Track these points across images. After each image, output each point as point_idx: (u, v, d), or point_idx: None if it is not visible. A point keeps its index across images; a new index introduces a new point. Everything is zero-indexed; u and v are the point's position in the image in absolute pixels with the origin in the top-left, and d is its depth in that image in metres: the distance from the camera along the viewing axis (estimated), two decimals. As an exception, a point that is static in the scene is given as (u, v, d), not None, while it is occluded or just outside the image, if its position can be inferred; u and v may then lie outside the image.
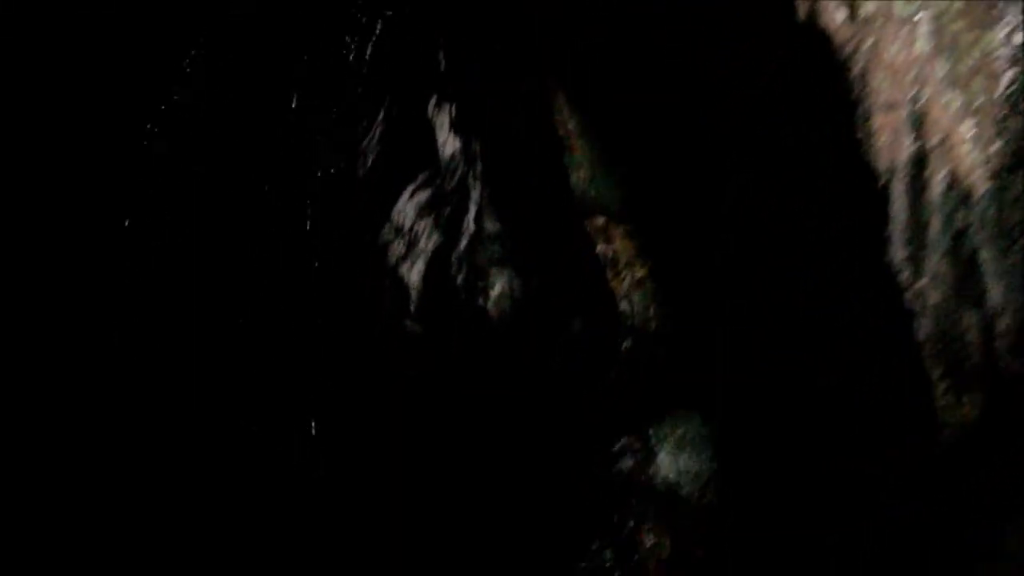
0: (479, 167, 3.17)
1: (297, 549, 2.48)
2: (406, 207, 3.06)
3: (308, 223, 2.73)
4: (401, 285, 3.02)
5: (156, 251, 2.48)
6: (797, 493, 2.16)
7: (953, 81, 2.10)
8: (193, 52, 2.48)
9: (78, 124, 2.52)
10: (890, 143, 2.08)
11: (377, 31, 2.91)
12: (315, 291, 2.71)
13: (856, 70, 2.07)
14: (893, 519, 2.06)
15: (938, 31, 2.08)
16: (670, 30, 2.41)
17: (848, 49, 2.07)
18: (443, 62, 3.11)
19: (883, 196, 2.09)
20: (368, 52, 2.91)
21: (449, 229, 3.15)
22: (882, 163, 2.08)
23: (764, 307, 2.24)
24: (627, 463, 2.23)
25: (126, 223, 2.41)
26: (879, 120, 2.07)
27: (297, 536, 2.48)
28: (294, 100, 2.74)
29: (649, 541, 2.16)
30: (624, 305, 2.47)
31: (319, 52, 2.80)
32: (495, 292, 3.15)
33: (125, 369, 2.42)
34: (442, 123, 3.11)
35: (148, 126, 2.50)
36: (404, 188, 3.04)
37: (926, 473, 2.09)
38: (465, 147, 3.10)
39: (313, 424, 2.57)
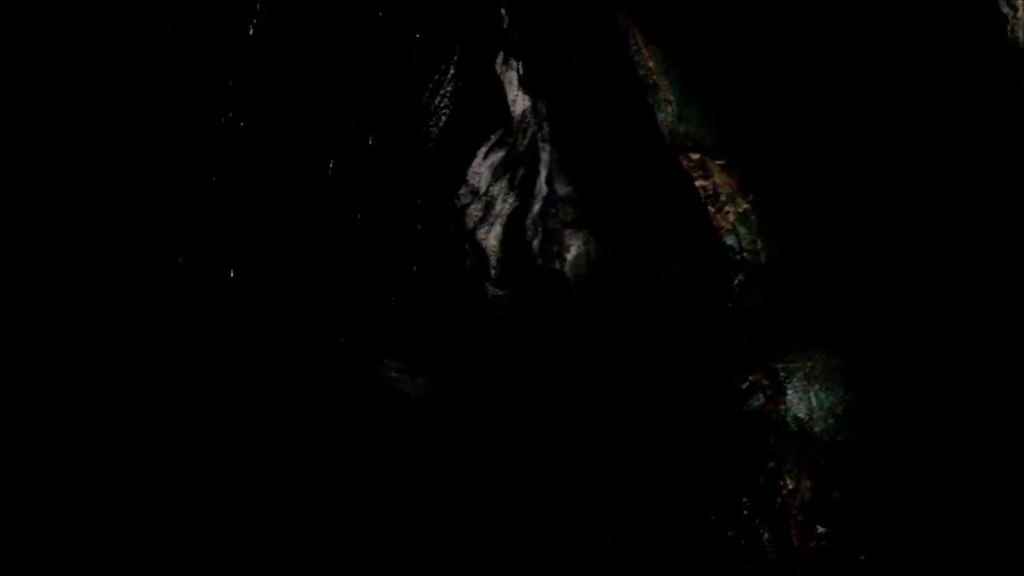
0: (546, 128, 3.07)
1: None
2: (481, 168, 3.00)
3: (386, 184, 2.64)
4: (480, 249, 2.96)
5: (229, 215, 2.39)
6: (948, 431, 1.95)
7: None
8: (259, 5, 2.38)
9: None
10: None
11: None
12: (394, 251, 2.63)
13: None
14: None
15: None
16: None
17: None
18: (506, 18, 3.01)
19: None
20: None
21: (523, 191, 3.05)
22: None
23: (906, 233, 2.03)
24: (757, 400, 2.06)
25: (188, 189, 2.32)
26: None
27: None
28: (361, 60, 2.65)
29: (791, 484, 1.99)
30: (730, 240, 2.31)
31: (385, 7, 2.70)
32: (571, 255, 3.04)
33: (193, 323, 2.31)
34: (510, 80, 3.02)
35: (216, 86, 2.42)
36: (478, 148, 2.97)
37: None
38: (535, 105, 3.01)
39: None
